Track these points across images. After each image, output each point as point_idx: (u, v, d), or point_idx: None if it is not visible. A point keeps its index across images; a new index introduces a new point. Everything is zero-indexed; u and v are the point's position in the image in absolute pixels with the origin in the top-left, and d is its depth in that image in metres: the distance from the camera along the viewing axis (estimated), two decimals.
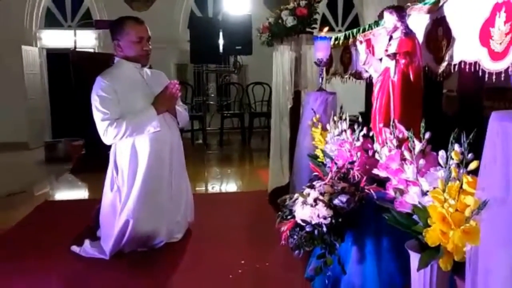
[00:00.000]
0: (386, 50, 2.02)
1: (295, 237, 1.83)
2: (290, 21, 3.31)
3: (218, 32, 6.55)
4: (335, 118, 2.33)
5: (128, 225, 2.56)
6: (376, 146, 1.81)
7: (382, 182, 1.69)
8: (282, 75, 3.60)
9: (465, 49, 1.68)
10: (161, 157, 2.67)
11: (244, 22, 6.48)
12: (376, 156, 1.73)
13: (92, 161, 4.73)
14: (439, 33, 1.89)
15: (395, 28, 1.96)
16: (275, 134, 3.81)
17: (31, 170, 5.72)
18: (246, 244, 2.78)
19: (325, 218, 1.75)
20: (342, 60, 3.25)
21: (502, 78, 1.41)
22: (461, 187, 1.18)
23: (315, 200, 1.80)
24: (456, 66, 1.79)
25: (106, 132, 2.54)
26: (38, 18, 7.98)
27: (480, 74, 1.53)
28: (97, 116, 2.55)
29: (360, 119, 2.31)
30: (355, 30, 3.01)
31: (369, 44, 2.60)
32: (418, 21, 2.05)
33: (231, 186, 5.01)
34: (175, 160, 2.78)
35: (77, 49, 6.44)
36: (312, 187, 1.88)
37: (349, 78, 3.19)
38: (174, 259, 2.59)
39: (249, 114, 7.64)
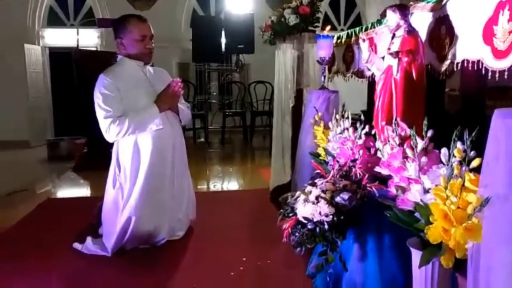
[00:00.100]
0: (389, 48, 2.02)
1: (297, 234, 1.83)
2: (292, 20, 3.31)
3: (220, 31, 6.56)
4: (337, 116, 2.32)
5: (130, 222, 2.57)
6: (378, 144, 1.81)
7: (384, 180, 1.69)
8: (284, 74, 3.60)
9: (468, 48, 1.68)
10: (163, 154, 2.67)
11: (246, 20, 6.48)
12: (378, 154, 1.74)
13: (94, 159, 4.74)
14: (442, 31, 1.89)
15: (398, 26, 1.96)
16: (277, 133, 3.81)
17: (33, 168, 5.73)
18: (248, 242, 2.78)
19: (326, 215, 1.75)
20: (345, 59, 3.25)
21: (506, 76, 1.41)
22: (463, 184, 1.18)
23: (317, 197, 1.79)
24: (459, 65, 1.79)
25: (109, 130, 2.54)
26: (40, 16, 8.00)
27: (483, 72, 1.53)
28: (99, 113, 2.56)
29: (362, 117, 2.30)
30: (357, 29, 3.02)
31: (371, 42, 2.60)
32: (421, 19, 2.05)
33: (232, 184, 5.01)
34: (177, 158, 2.78)
35: (79, 48, 6.45)
36: (314, 184, 1.87)
37: (351, 76, 3.20)
38: (175, 257, 2.59)
39: (251, 112, 7.65)
